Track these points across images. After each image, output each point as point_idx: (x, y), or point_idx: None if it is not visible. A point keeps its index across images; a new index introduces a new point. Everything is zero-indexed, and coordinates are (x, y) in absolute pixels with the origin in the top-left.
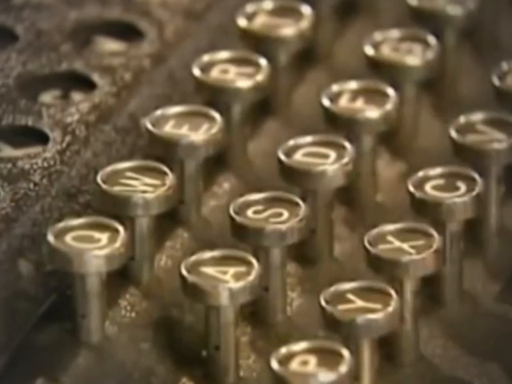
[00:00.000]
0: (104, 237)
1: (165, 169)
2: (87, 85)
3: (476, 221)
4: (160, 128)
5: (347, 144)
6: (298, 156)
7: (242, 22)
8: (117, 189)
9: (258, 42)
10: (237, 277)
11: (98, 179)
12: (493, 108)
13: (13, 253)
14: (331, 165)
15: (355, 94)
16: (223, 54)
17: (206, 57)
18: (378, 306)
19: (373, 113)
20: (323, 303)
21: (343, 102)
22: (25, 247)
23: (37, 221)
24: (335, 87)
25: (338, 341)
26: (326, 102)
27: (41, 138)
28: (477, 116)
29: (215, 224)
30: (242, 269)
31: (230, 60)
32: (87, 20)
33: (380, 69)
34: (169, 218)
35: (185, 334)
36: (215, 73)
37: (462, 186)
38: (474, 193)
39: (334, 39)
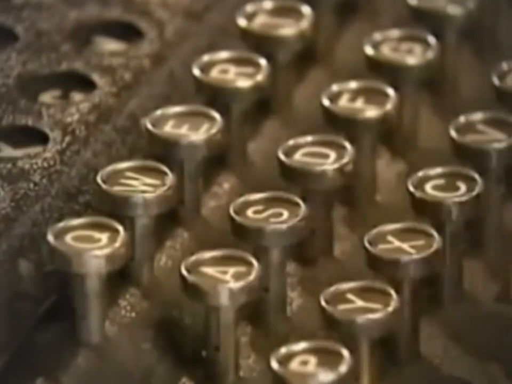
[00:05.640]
0: (104, 237)
1: (165, 169)
2: (87, 85)
3: (476, 221)
4: (160, 128)
5: (347, 144)
6: (298, 156)
7: (242, 22)
8: (117, 189)
9: (258, 42)
10: (237, 277)
11: (98, 179)
12: (493, 108)
13: (13, 253)
14: (331, 165)
15: (355, 94)
16: (223, 54)
17: (206, 57)
18: (378, 306)
19: (373, 113)
20: (323, 303)
21: (343, 102)
22: (25, 247)
23: (37, 221)
24: (335, 87)
25: (338, 341)
26: (326, 102)
27: (41, 138)
28: (477, 116)
29: (215, 224)
30: (242, 269)
31: (230, 60)
32: (87, 20)
33: (380, 69)
34: (169, 218)
35: (185, 334)
36: (215, 73)
37: (462, 186)
38: (474, 193)
39: (334, 39)
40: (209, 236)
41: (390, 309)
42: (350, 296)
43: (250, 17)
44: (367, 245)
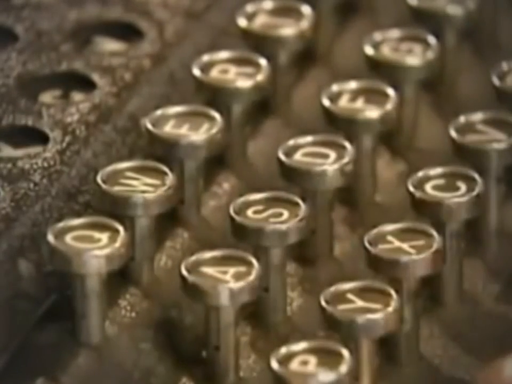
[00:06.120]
0: (104, 237)
1: (165, 169)
2: (87, 85)
3: (476, 221)
4: (160, 128)
5: (347, 144)
6: (298, 156)
7: (242, 22)
8: (117, 189)
9: (258, 42)
10: (237, 277)
11: (98, 179)
12: (493, 108)
13: (13, 253)
14: (331, 165)
15: (355, 94)
16: (223, 54)
17: (206, 57)
18: (378, 306)
19: (373, 113)
20: (323, 303)
21: (343, 102)
22: (25, 247)
23: (37, 221)
24: (335, 87)
25: (338, 341)
26: (326, 102)
27: (41, 138)
28: (477, 116)
29: (215, 224)
30: (242, 269)
31: (230, 60)
32: (87, 19)
33: (380, 69)
34: (169, 218)
35: (185, 334)
36: (215, 73)
37: (462, 186)
38: (474, 193)
39: (334, 39)
40: (209, 235)
41: (390, 309)
42: (350, 296)
43: (250, 17)
44: (367, 245)
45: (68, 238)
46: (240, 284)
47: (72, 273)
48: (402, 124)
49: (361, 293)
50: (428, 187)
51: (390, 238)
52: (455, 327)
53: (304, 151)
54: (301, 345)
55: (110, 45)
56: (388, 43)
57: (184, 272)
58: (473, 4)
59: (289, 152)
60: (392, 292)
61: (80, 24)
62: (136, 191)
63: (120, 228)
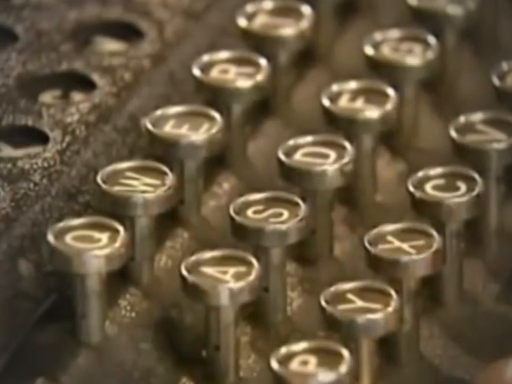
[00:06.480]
0: (104, 237)
1: (165, 169)
2: (87, 85)
3: (475, 221)
4: (160, 128)
5: (347, 144)
6: (298, 156)
7: (242, 22)
8: (117, 189)
9: (258, 42)
10: (237, 277)
11: (98, 179)
12: (493, 108)
13: (13, 253)
14: (331, 165)
15: (355, 94)
16: (223, 54)
17: (206, 57)
18: (378, 306)
19: (373, 113)
20: (323, 303)
21: (343, 102)
22: (25, 247)
23: (37, 221)
24: (335, 87)
25: (338, 341)
26: (326, 102)
27: (41, 138)
28: (477, 116)
29: (215, 224)
30: (242, 269)
31: (230, 60)
32: (87, 19)
33: (380, 69)
34: (169, 218)
35: (185, 334)
36: (215, 73)
37: (462, 186)
38: (474, 193)
39: (334, 39)
40: (209, 235)
41: (390, 309)
42: (350, 296)
43: (250, 17)
44: (367, 245)
45: (68, 238)
46: (240, 283)
47: (72, 273)
48: (402, 124)
49: (361, 293)
50: (428, 187)
51: (390, 238)
52: (455, 327)
53: (304, 151)
54: (301, 345)
55: (110, 45)
56: (388, 43)
57: (184, 272)
58: (473, 3)
59: (289, 152)
60: (392, 292)
61: (80, 24)
62: (136, 191)
63: (120, 228)
